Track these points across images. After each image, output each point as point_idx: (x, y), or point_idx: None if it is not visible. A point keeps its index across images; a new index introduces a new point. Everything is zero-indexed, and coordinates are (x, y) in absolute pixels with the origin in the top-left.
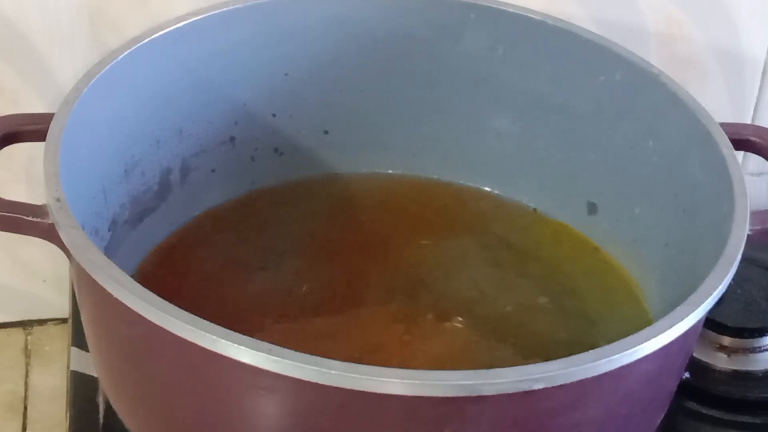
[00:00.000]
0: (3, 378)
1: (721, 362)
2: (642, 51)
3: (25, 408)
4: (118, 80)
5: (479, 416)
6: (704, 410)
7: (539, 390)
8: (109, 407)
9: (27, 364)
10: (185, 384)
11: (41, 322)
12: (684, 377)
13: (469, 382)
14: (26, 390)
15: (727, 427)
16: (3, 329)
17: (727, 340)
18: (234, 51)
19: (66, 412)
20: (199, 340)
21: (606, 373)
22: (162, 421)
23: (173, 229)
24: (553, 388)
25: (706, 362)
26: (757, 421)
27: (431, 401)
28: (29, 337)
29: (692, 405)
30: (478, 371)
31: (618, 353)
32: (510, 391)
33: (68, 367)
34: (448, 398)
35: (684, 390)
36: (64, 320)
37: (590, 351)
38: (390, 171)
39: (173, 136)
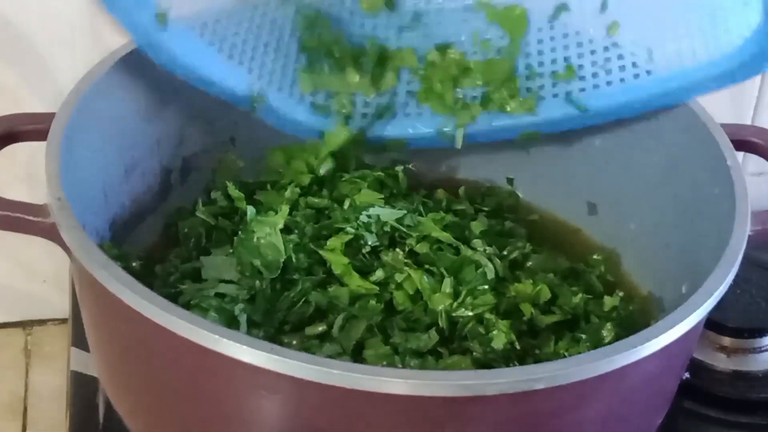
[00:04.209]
0: (3, 378)
1: (721, 362)
2: None
3: (25, 408)
4: (118, 80)
5: (480, 416)
6: (704, 410)
7: (540, 390)
8: (109, 407)
9: (27, 364)
10: (187, 383)
11: (41, 322)
12: (684, 377)
13: (471, 382)
14: (26, 390)
15: (727, 427)
16: (3, 329)
17: (727, 340)
18: None
19: (66, 412)
20: (201, 340)
21: (607, 374)
22: (163, 421)
23: (173, 229)
24: (554, 388)
25: (706, 362)
26: (757, 421)
27: (433, 401)
28: (29, 337)
29: (692, 405)
30: (479, 371)
31: (619, 353)
32: (511, 391)
33: (68, 367)
34: (449, 398)
35: (684, 390)
36: (64, 320)
37: (591, 351)
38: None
39: (173, 136)
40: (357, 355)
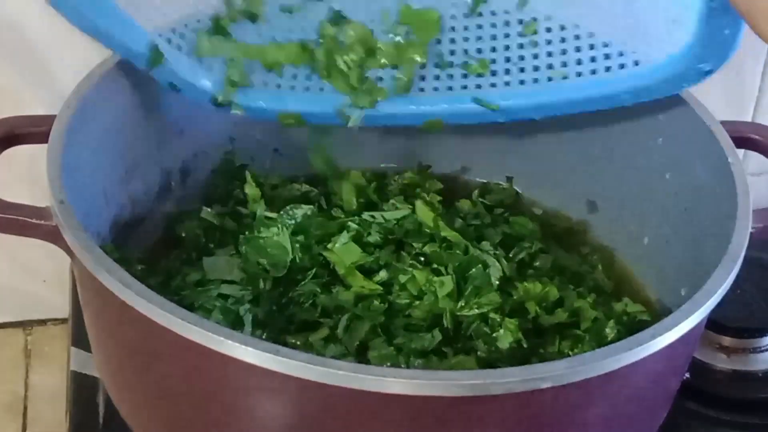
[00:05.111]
0: (3, 378)
1: (721, 362)
2: None
3: (25, 408)
4: (118, 82)
5: (486, 415)
6: (704, 410)
7: (546, 389)
8: (108, 407)
9: (27, 364)
10: (191, 384)
11: (41, 322)
12: (684, 377)
13: (477, 382)
14: (26, 390)
15: (727, 427)
16: (3, 329)
17: (727, 340)
18: None
19: (66, 412)
20: (207, 342)
21: (612, 372)
22: (167, 422)
23: (173, 230)
24: (560, 387)
25: (706, 362)
26: (757, 421)
27: (439, 401)
28: (29, 337)
29: (692, 405)
30: (486, 371)
31: (624, 352)
32: (518, 391)
33: (68, 367)
34: (455, 398)
35: (684, 390)
36: (64, 320)
37: (597, 350)
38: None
39: (173, 137)
40: (360, 355)
